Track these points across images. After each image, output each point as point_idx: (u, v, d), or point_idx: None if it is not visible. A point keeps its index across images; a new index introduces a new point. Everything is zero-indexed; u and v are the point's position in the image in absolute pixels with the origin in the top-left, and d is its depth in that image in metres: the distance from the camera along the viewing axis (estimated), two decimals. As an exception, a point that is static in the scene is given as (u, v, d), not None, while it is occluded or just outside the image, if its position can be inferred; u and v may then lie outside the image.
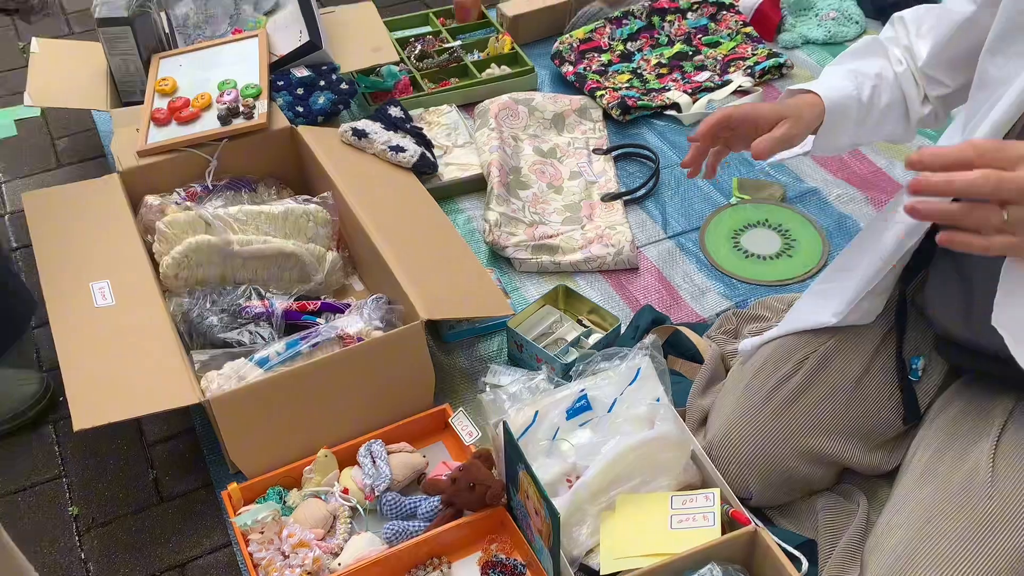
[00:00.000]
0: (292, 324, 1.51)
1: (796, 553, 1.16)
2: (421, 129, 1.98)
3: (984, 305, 1.03)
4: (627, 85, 2.21)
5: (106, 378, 1.36)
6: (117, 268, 1.54)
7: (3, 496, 1.46)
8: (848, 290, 1.26)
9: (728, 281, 1.74)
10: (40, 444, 1.54)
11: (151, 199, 1.67)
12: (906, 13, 1.28)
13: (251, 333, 1.47)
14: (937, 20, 1.23)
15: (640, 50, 2.33)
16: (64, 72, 2.08)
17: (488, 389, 1.46)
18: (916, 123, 1.28)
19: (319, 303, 1.54)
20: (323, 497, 1.36)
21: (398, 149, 1.85)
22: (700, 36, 2.35)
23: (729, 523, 1.21)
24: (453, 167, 1.98)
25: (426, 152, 1.90)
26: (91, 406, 1.31)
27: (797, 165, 2.00)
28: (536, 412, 1.33)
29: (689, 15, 2.38)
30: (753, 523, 1.18)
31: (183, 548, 1.38)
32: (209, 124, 1.81)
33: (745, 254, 1.79)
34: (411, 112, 2.05)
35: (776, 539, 1.16)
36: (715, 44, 2.33)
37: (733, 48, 2.31)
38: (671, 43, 2.34)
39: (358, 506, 1.34)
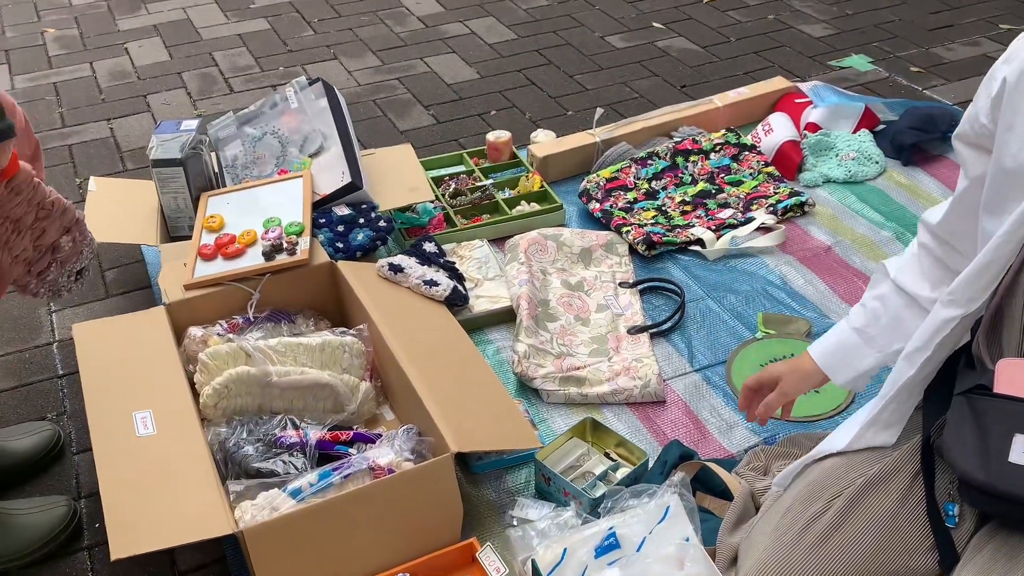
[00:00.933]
0: (325, 454, 1.55)
1: None
2: (453, 263, 2.06)
3: (1000, 449, 1.05)
4: (652, 221, 2.29)
5: (144, 507, 1.40)
6: (160, 397, 1.60)
7: (36, 624, 1.48)
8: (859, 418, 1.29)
9: (755, 416, 1.76)
10: (74, 569, 1.56)
11: (194, 330, 1.74)
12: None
13: (285, 463, 1.51)
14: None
15: (665, 188, 2.42)
16: (118, 208, 2.19)
17: (516, 523, 1.47)
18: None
19: (351, 433, 1.58)
20: (352, 631, 1.36)
21: (432, 283, 1.93)
22: (723, 175, 2.44)
23: (759, 666, 1.20)
24: (483, 299, 2.05)
25: (458, 286, 1.97)
26: (129, 535, 1.34)
27: (822, 300, 2.05)
28: (565, 549, 1.34)
29: (712, 156, 2.47)
30: (783, 667, 1.17)
31: None
32: (254, 259, 1.90)
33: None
34: (444, 246, 2.14)
35: None
36: (738, 183, 2.42)
37: (755, 187, 2.40)
38: (695, 182, 2.43)
39: (387, 641, 1.35)
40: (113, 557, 1.30)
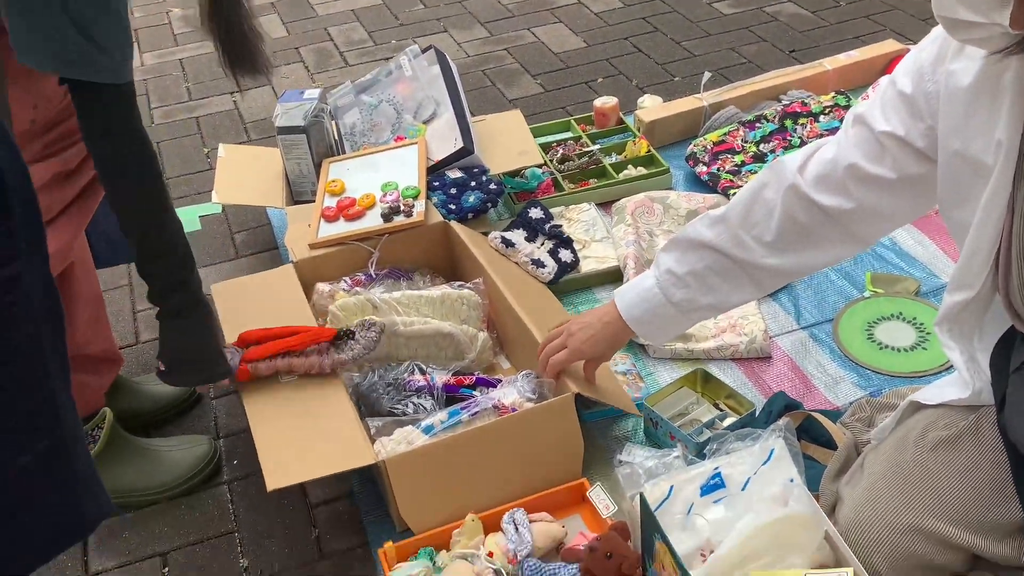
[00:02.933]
0: (451, 396, 1.65)
1: (930, 633, 1.18)
2: (560, 227, 2.13)
3: None
4: (760, 184, 2.30)
5: (292, 445, 1.53)
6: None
7: (184, 547, 1.62)
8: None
9: (862, 372, 1.78)
10: (216, 502, 1.70)
11: (322, 286, 1.86)
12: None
13: (415, 404, 1.62)
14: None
15: (773, 151, 2.42)
16: (245, 174, 2.34)
17: (623, 465, 1.54)
18: (770, 274, 1.42)
19: (474, 378, 1.68)
20: (469, 559, 1.45)
21: (538, 264, 2.01)
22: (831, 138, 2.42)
23: (862, 602, 1.23)
24: (591, 260, 2.11)
25: (565, 260, 2.04)
26: (281, 470, 1.47)
27: (931, 260, 2.04)
28: (671, 487, 1.40)
29: (821, 118, 2.47)
30: (887, 601, 1.21)
31: (342, 601, 1.50)
32: (373, 221, 2.00)
33: (880, 346, 1.83)
34: (552, 210, 2.20)
35: (910, 618, 1.18)
36: (847, 145, 2.40)
37: (865, 149, 2.38)
38: (803, 144, 2.43)
39: (502, 569, 1.43)
40: (269, 488, 1.43)
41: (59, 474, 0.88)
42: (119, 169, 1.38)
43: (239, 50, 1.61)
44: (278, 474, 1.46)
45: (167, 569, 1.59)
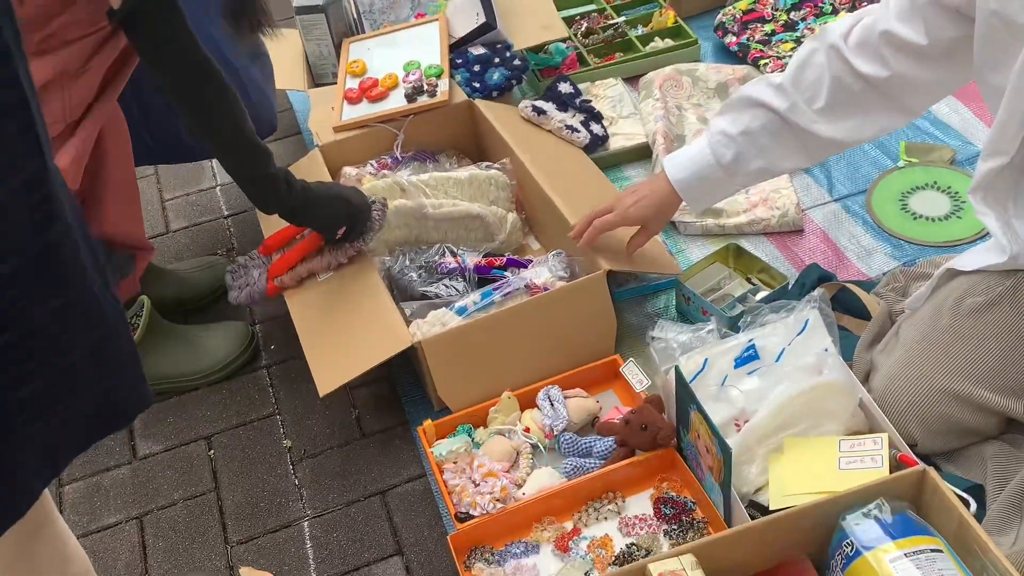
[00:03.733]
0: (482, 278, 1.66)
1: (964, 495, 1.20)
2: (590, 103, 2.09)
3: None
4: (791, 53, 2.23)
5: (337, 341, 1.55)
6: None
7: (227, 430, 1.67)
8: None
9: (896, 242, 1.77)
10: (256, 386, 1.74)
11: (348, 170, 1.85)
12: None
13: (447, 287, 1.63)
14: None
15: (804, 19, 2.34)
16: (265, 57, 2.29)
17: (656, 340, 1.55)
18: (822, 143, 1.41)
19: (505, 259, 1.68)
20: (507, 435, 1.48)
21: (572, 129, 1.97)
22: (864, 3, 2.34)
23: (897, 467, 1.25)
24: (619, 137, 2.07)
25: (595, 133, 2.01)
26: (330, 371, 1.50)
27: (966, 128, 1.99)
28: (705, 360, 1.41)
29: (855, -18, 2.37)
30: (921, 465, 1.22)
31: (384, 477, 1.54)
32: (396, 102, 1.97)
33: (914, 216, 1.81)
34: (579, 86, 2.15)
35: (945, 481, 1.20)
36: (882, 10, 2.32)
37: (901, 13, 2.29)
38: (835, 11, 2.34)
39: (539, 444, 1.47)
40: (322, 394, 1.47)
41: (104, 367, 0.90)
42: (184, 101, 1.37)
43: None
44: (327, 377, 1.49)
45: (212, 451, 1.64)
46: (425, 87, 1.97)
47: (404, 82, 1.99)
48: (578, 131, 1.98)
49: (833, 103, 1.37)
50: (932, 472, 1.19)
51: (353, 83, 2.04)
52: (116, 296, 0.92)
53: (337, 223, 1.59)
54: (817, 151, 1.45)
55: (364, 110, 1.98)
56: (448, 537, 1.35)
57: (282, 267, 1.65)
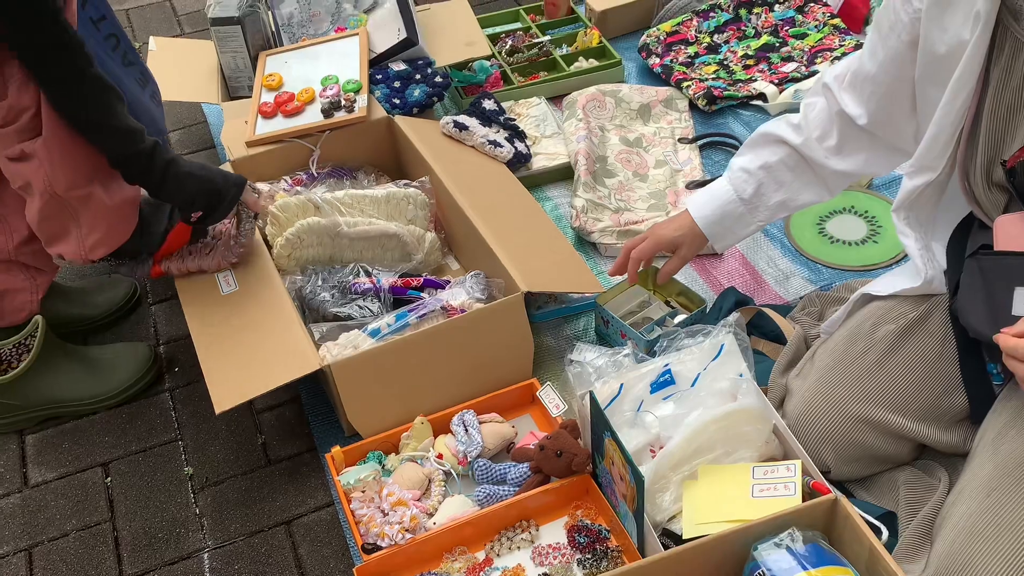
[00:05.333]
0: (398, 299, 1.61)
1: (876, 523, 1.19)
2: (514, 121, 2.06)
3: (1004, 304, 1.08)
4: (713, 76, 2.25)
5: (238, 359, 1.48)
6: (236, 254, 1.66)
7: (126, 456, 1.59)
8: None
9: (813, 266, 1.77)
10: (158, 409, 1.66)
11: (261, 186, 1.78)
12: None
13: (360, 307, 1.58)
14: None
15: (727, 42, 2.36)
16: (179, 68, 2.22)
17: (574, 364, 1.52)
18: (837, 176, 1.43)
19: (422, 279, 1.64)
20: (419, 462, 1.44)
21: (495, 144, 1.94)
22: (787, 28, 2.37)
23: (810, 494, 1.24)
24: (541, 156, 2.05)
25: (520, 149, 1.98)
26: (228, 388, 1.43)
27: (884, 153, 2.01)
28: (621, 385, 1.38)
29: (776, 7, 2.40)
30: (833, 493, 1.21)
31: (289, 506, 1.48)
32: (312, 117, 1.92)
33: (831, 240, 1.82)
34: (502, 104, 2.13)
35: (856, 509, 1.19)
36: (802, 36, 2.35)
37: (820, 39, 2.32)
38: (758, 35, 2.37)
39: (452, 471, 1.42)
40: (218, 411, 1.40)
41: None
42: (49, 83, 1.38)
43: None
44: (225, 394, 1.42)
45: (109, 479, 1.56)
46: (343, 102, 1.92)
47: (321, 97, 1.94)
48: (501, 146, 1.95)
49: (841, 140, 1.38)
50: (844, 500, 1.18)
51: (268, 97, 1.98)
52: None
53: (193, 202, 1.54)
54: (835, 184, 1.45)
55: (279, 124, 1.92)
56: (354, 569, 1.29)
57: (166, 251, 1.61)
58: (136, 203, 1.56)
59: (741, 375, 1.34)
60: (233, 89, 2.18)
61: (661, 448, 1.32)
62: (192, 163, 1.54)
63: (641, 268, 1.59)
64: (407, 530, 1.32)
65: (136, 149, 1.45)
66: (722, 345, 1.37)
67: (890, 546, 1.22)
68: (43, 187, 1.44)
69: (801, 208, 1.48)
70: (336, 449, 1.43)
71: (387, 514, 1.34)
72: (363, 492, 1.36)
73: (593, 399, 1.28)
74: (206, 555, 1.43)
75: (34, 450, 1.61)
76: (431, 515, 1.37)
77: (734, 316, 1.41)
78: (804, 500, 1.21)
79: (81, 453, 1.60)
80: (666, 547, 1.21)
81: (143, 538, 1.46)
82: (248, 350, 1.49)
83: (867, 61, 1.29)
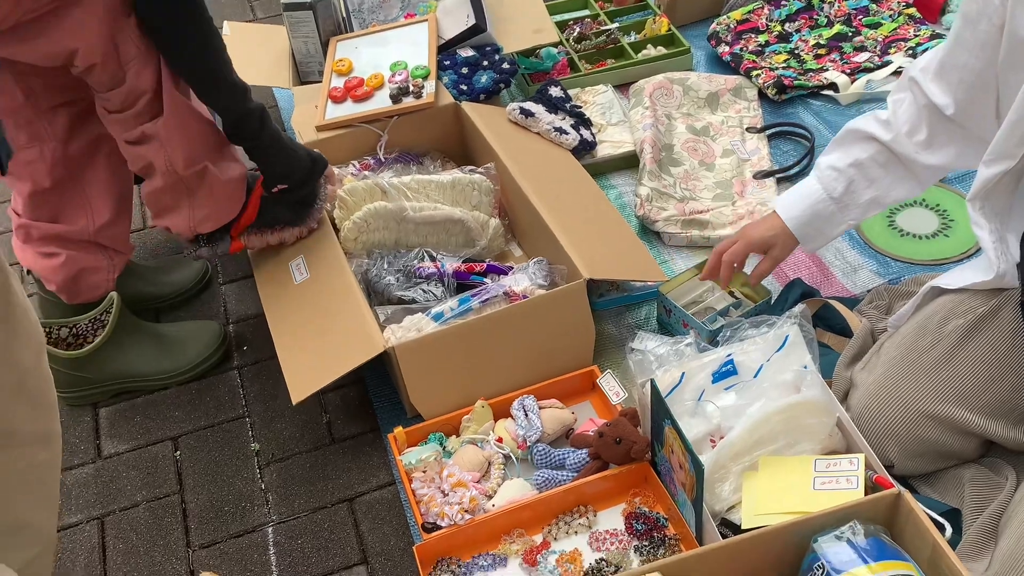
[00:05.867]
0: (461, 284, 1.63)
1: (940, 519, 1.17)
2: (580, 108, 2.06)
3: None
4: (784, 65, 2.21)
5: (310, 347, 1.53)
6: (307, 240, 1.70)
7: (195, 431, 1.63)
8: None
9: (882, 259, 1.74)
10: (226, 387, 1.70)
11: (330, 169, 1.81)
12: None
13: (424, 291, 1.60)
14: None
15: (798, 31, 2.32)
16: (251, 53, 2.26)
17: (635, 352, 1.52)
18: (929, 171, 1.38)
19: (485, 265, 1.65)
20: (479, 444, 1.45)
21: (561, 131, 1.94)
22: (860, 17, 2.32)
23: (873, 488, 1.22)
24: (607, 144, 2.04)
25: (585, 136, 1.98)
26: (303, 378, 1.48)
27: (959, 146, 1.96)
28: (683, 374, 1.38)
29: (850, -5, 2.35)
30: (897, 487, 1.19)
31: (352, 484, 1.51)
32: (381, 102, 1.94)
33: (901, 233, 1.78)
34: (568, 92, 2.13)
35: (920, 505, 1.17)
36: (876, 25, 2.30)
37: (894, 29, 2.27)
38: (830, 24, 2.32)
39: (511, 454, 1.44)
40: (295, 402, 1.45)
41: None
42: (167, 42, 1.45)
43: None
44: (299, 384, 1.47)
45: (178, 452, 1.61)
46: (411, 88, 1.94)
47: (390, 82, 1.97)
48: (567, 133, 1.95)
49: (931, 134, 1.34)
50: (907, 495, 1.16)
51: (338, 82, 2.01)
52: None
53: (288, 173, 1.61)
54: (926, 178, 1.41)
55: (348, 109, 1.95)
56: (414, 547, 1.32)
57: (244, 223, 1.65)
58: (243, 182, 1.61)
59: (805, 367, 1.32)
60: (304, 74, 2.21)
61: (722, 438, 1.32)
62: (288, 139, 1.61)
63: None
64: (466, 511, 1.33)
65: (248, 107, 1.51)
66: (786, 336, 1.36)
67: (953, 543, 1.20)
68: (164, 167, 1.51)
69: (892, 204, 1.44)
70: (399, 430, 1.46)
71: (447, 495, 1.36)
72: (424, 472, 1.38)
73: (654, 387, 1.28)
74: (270, 529, 1.47)
75: (107, 423, 1.67)
76: (490, 497, 1.39)
77: (799, 307, 1.40)
78: (866, 494, 1.20)
79: (152, 427, 1.65)
80: (724, 537, 1.21)
81: (210, 510, 1.50)
82: (318, 336, 1.53)
83: (954, 48, 1.26)
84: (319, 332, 1.55)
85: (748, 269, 1.57)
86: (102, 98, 1.48)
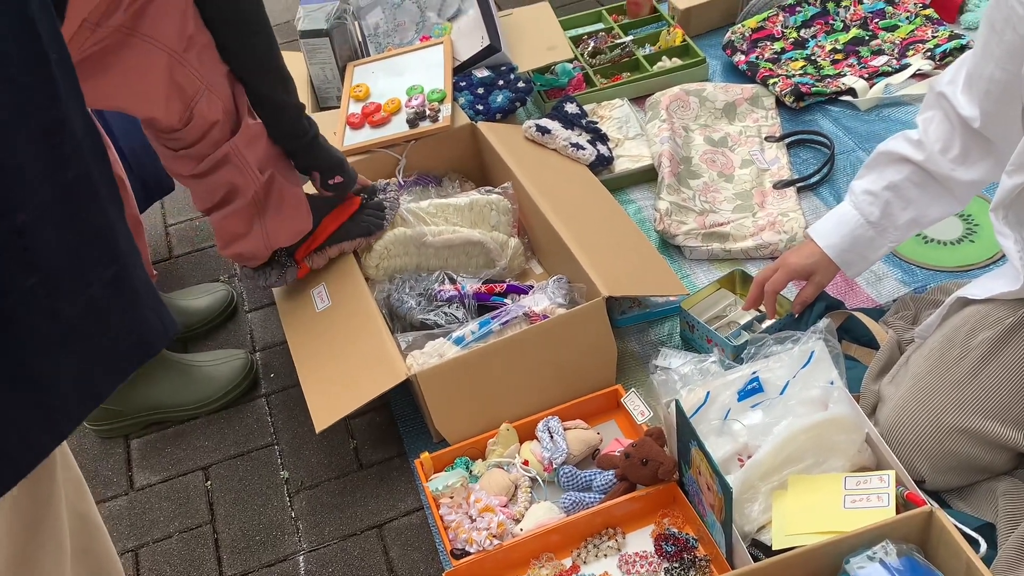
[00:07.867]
0: (482, 305, 1.64)
1: (974, 535, 1.16)
2: (596, 124, 2.06)
3: None
4: (800, 72, 2.20)
5: (333, 376, 1.54)
6: (327, 267, 1.71)
7: (225, 460, 1.65)
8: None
9: (907, 267, 1.72)
10: (254, 415, 1.72)
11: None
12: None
13: (446, 314, 1.61)
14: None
15: (814, 36, 2.31)
16: (269, 81, 2.28)
17: (659, 371, 1.51)
18: (966, 187, 1.36)
19: (505, 285, 1.65)
20: (505, 468, 1.45)
21: (578, 147, 1.95)
22: (877, 20, 2.30)
23: (904, 505, 1.21)
24: (624, 159, 2.04)
25: (602, 152, 1.98)
26: (326, 405, 1.49)
27: (982, 148, 1.94)
28: (708, 392, 1.37)
29: (865, 0, 2.34)
30: (929, 504, 1.18)
31: (381, 510, 1.51)
32: (398, 127, 1.95)
33: (925, 240, 1.77)
34: (584, 107, 2.13)
35: (953, 521, 1.16)
36: (893, 28, 2.28)
37: (912, 31, 2.26)
38: (847, 28, 2.31)
39: (538, 477, 1.44)
40: (318, 430, 1.46)
41: (125, 297, 0.91)
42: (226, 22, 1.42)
43: None
44: (323, 412, 1.48)
45: (209, 482, 1.62)
46: (427, 112, 1.95)
47: (407, 107, 1.98)
48: (584, 148, 1.95)
49: (964, 149, 1.33)
50: (940, 512, 1.15)
51: (356, 108, 2.03)
52: (128, 231, 0.93)
53: (335, 167, 1.62)
54: (964, 194, 1.39)
55: (366, 135, 1.96)
56: (444, 574, 1.32)
57: (309, 247, 1.67)
58: (304, 196, 1.63)
59: (832, 383, 1.31)
60: (322, 100, 2.23)
61: (749, 457, 1.31)
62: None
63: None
64: (495, 536, 1.34)
65: (295, 99, 1.52)
66: (812, 352, 1.35)
67: (988, 559, 1.19)
68: (249, 181, 1.51)
69: (933, 223, 1.42)
70: (425, 455, 1.46)
71: (475, 520, 1.36)
72: (451, 498, 1.39)
73: (679, 407, 1.27)
74: (301, 558, 1.47)
75: (139, 454, 1.68)
76: (518, 521, 1.39)
77: (824, 322, 1.39)
78: (898, 512, 1.19)
79: (182, 457, 1.67)
80: (755, 558, 1.20)
81: (241, 540, 1.51)
82: (342, 364, 1.54)
83: (981, 59, 1.24)
84: (341, 360, 1.56)
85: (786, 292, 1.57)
86: (167, 139, 1.46)
